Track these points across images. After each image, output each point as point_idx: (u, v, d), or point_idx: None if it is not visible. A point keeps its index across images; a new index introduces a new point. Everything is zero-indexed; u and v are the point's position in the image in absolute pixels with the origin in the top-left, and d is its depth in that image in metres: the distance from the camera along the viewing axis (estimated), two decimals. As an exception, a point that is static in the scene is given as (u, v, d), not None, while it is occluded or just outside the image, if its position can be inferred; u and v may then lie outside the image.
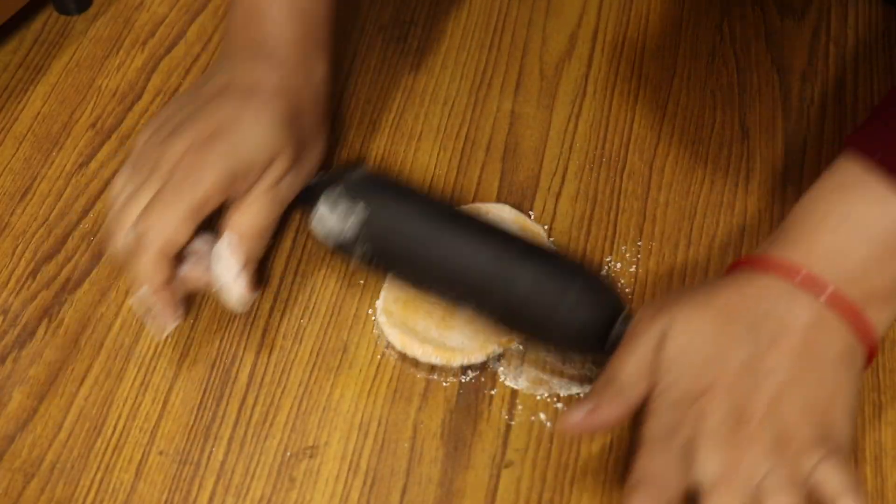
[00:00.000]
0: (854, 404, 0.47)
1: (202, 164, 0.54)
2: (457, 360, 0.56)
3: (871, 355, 0.49)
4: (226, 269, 0.55)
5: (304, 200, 0.59)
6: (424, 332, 0.56)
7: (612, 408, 0.48)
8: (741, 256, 0.51)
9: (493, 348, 0.56)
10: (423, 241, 0.55)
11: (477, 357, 0.56)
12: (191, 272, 0.55)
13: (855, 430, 0.51)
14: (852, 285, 0.48)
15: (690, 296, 0.50)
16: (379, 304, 0.58)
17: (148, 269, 0.53)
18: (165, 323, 0.55)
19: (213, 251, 0.55)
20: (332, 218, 0.55)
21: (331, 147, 0.66)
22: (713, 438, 0.45)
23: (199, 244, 0.56)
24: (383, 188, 0.57)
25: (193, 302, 0.60)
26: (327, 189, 0.56)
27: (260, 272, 0.60)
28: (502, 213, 0.62)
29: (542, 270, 0.53)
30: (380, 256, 0.56)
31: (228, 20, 0.63)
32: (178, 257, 0.55)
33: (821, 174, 0.51)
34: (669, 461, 0.46)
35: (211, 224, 0.56)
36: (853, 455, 0.46)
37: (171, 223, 0.53)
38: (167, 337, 0.58)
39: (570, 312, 0.52)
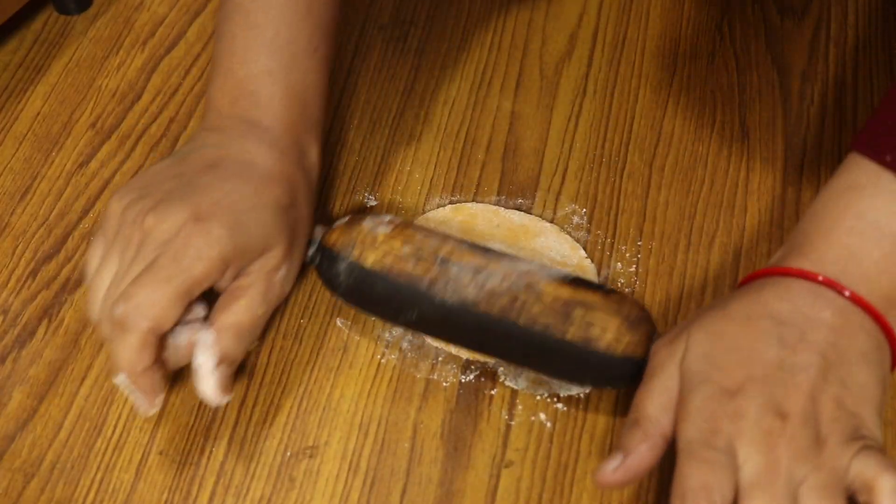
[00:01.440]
0: (884, 401, 0.46)
1: (197, 244, 0.50)
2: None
3: (895, 356, 0.48)
4: (202, 362, 0.51)
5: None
6: None
7: (643, 451, 0.46)
8: (752, 271, 0.50)
9: None
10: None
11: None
12: (180, 344, 0.51)
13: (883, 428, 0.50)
14: (869, 287, 0.47)
15: (705, 312, 0.49)
16: None
17: (130, 355, 0.49)
18: (148, 406, 0.51)
19: (198, 338, 0.51)
20: (326, 263, 0.56)
21: (328, 163, 0.66)
22: (752, 437, 0.44)
23: (196, 312, 0.52)
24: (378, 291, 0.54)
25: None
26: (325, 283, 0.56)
27: (238, 373, 0.56)
28: (548, 241, 0.62)
29: (554, 359, 0.52)
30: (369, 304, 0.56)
31: (213, 90, 0.58)
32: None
33: (827, 180, 0.50)
34: (713, 470, 0.44)
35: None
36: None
37: (157, 305, 0.49)
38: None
39: (595, 382, 0.53)
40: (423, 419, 0.55)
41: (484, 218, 0.63)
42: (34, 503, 0.53)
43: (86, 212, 0.65)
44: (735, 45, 0.72)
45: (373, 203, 0.64)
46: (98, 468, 0.54)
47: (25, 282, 0.61)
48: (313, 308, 0.59)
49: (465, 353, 0.56)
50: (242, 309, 0.52)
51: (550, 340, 0.51)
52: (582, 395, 0.55)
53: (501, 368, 0.56)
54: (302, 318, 0.59)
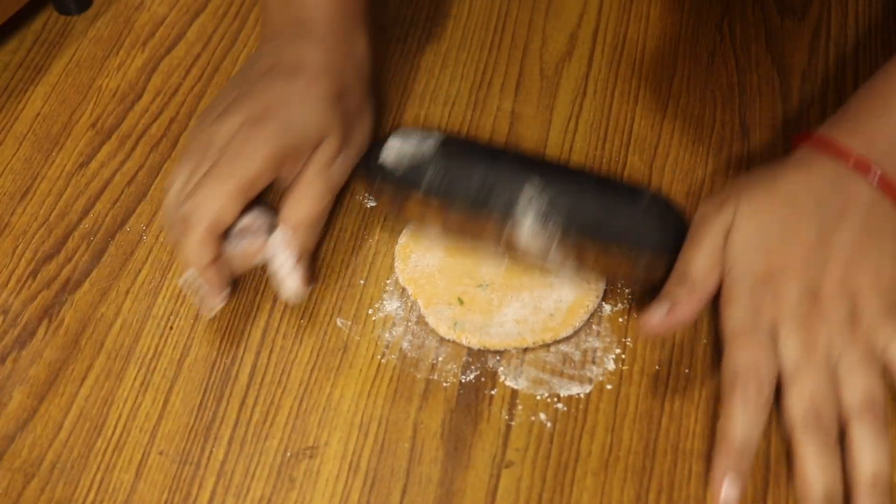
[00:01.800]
0: None
1: (252, 143, 0.54)
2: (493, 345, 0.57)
3: None
4: (282, 263, 0.55)
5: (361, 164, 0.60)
6: (472, 322, 0.57)
7: (689, 304, 0.50)
8: (804, 132, 0.55)
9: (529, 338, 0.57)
10: (495, 156, 0.56)
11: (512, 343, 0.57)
12: (244, 249, 0.55)
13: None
14: None
15: (754, 183, 0.52)
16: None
17: (194, 249, 0.53)
18: (213, 302, 0.55)
19: (269, 244, 0.55)
20: (406, 144, 0.56)
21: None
22: (791, 319, 0.48)
23: (250, 219, 0.55)
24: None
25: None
26: (394, 133, 0.57)
27: (313, 262, 0.60)
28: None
29: (617, 185, 0.56)
30: (451, 179, 0.55)
31: (264, 2, 0.63)
32: (226, 235, 0.55)
33: (885, 63, 0.54)
34: (759, 349, 0.48)
35: (261, 198, 0.56)
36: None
37: (217, 202, 0.53)
38: (170, 333, 0.59)
39: (653, 200, 0.55)
40: (423, 419, 0.55)
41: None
42: (34, 503, 0.53)
43: (86, 212, 0.65)
44: (735, 45, 0.72)
45: (373, 204, 0.64)
46: (98, 468, 0.54)
47: (25, 282, 0.62)
48: (313, 308, 0.59)
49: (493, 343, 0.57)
50: (310, 202, 0.55)
51: (607, 178, 0.57)
52: (582, 395, 0.55)
53: (501, 368, 0.56)
54: (302, 318, 0.59)
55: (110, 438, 0.55)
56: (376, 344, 0.58)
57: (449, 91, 0.70)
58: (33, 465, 0.54)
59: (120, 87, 0.72)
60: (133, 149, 0.68)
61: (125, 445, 0.55)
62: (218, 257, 0.54)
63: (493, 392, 0.56)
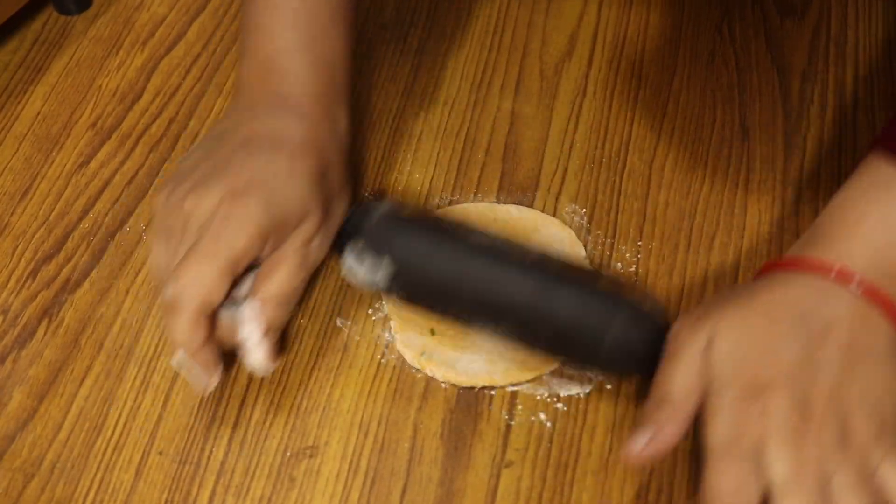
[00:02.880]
0: None
1: (236, 219, 0.51)
2: (479, 382, 0.56)
3: None
4: (248, 335, 0.52)
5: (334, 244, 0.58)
6: (440, 355, 0.56)
7: (671, 428, 0.47)
8: (773, 259, 0.51)
9: (517, 376, 0.56)
10: (457, 284, 0.53)
11: (500, 381, 0.56)
12: (229, 320, 0.53)
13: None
14: (891, 283, 0.48)
15: (728, 300, 0.50)
16: (391, 324, 0.58)
17: (185, 332, 0.50)
18: (207, 382, 0.52)
19: (238, 314, 0.53)
20: (361, 270, 0.55)
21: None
22: (780, 435, 0.45)
23: (236, 290, 0.53)
24: (407, 231, 0.55)
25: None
26: (352, 238, 0.55)
27: (284, 337, 0.58)
28: (550, 230, 0.62)
29: (585, 302, 0.52)
30: (417, 298, 0.55)
31: (242, 70, 0.60)
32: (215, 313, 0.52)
33: (849, 177, 0.51)
34: (743, 472, 0.44)
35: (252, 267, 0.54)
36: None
37: (206, 283, 0.50)
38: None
39: (616, 340, 0.51)
40: (423, 419, 0.55)
41: (478, 213, 0.63)
42: (34, 503, 0.53)
43: (86, 212, 0.65)
44: (735, 45, 0.72)
45: (373, 203, 0.64)
46: (98, 468, 0.54)
47: (25, 282, 0.62)
48: (313, 308, 0.59)
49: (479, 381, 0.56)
50: (283, 278, 0.53)
51: (580, 287, 0.52)
52: (582, 395, 0.55)
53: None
54: (302, 318, 0.59)
55: (110, 438, 0.55)
56: (376, 344, 0.58)
57: (449, 91, 0.70)
58: (33, 465, 0.54)
59: (120, 86, 0.72)
60: (133, 149, 0.68)
61: (125, 445, 0.55)
62: (209, 338, 0.51)
63: (492, 392, 0.56)
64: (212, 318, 0.51)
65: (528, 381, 0.56)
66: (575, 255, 0.60)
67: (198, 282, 0.50)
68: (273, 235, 0.53)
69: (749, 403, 0.46)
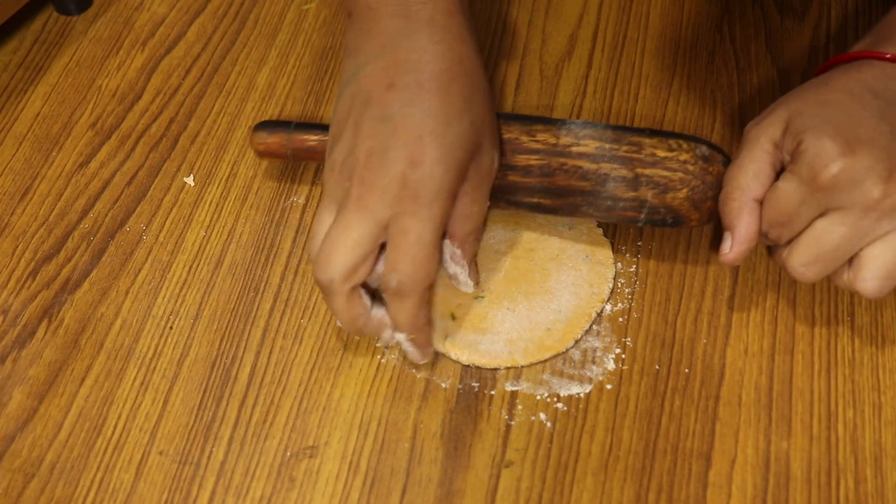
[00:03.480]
0: None
1: (426, 194, 0.50)
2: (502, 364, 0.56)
3: None
4: (457, 270, 0.55)
5: None
6: (462, 338, 0.57)
7: (746, 218, 0.51)
8: (832, 57, 0.55)
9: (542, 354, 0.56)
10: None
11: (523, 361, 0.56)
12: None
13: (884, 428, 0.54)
14: None
15: (799, 91, 0.52)
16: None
17: (412, 315, 0.52)
18: (423, 356, 0.55)
19: (444, 252, 0.54)
20: None
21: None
22: (855, 191, 0.48)
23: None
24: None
25: (195, 300, 0.60)
26: None
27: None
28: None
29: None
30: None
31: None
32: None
33: None
34: (806, 196, 0.49)
35: None
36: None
37: (425, 265, 0.50)
38: (170, 333, 0.59)
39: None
40: (423, 419, 0.55)
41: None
42: (34, 503, 0.53)
43: (86, 212, 0.65)
44: (735, 44, 0.72)
45: (373, 203, 0.64)
46: (98, 468, 0.54)
47: (25, 282, 0.62)
48: (313, 308, 0.59)
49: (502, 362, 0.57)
50: (476, 215, 0.53)
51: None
52: (582, 395, 0.55)
53: (502, 371, 0.56)
54: (302, 318, 0.59)
55: (110, 438, 0.55)
56: (376, 344, 0.58)
57: (449, 91, 0.70)
58: (33, 465, 0.54)
59: (120, 87, 0.72)
60: (133, 149, 0.68)
61: (125, 445, 0.55)
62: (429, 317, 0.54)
63: (492, 392, 0.56)
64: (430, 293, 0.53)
65: (548, 359, 0.56)
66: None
67: (423, 268, 0.50)
68: (458, 183, 0.51)
69: (833, 153, 0.48)
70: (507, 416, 0.55)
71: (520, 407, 0.55)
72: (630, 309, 0.58)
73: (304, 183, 0.65)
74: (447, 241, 0.54)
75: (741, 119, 0.68)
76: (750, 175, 0.51)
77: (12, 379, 0.57)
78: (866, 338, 0.57)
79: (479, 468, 0.53)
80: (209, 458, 0.54)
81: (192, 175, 0.66)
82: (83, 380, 0.57)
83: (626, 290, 0.59)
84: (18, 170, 0.67)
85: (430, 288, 0.52)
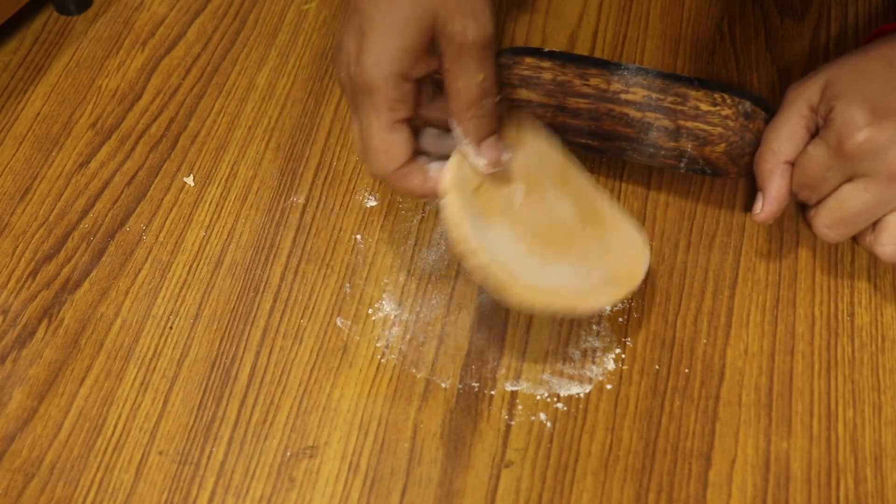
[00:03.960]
0: None
1: (364, 87, 0.50)
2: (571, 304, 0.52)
3: None
4: (468, 151, 0.52)
5: None
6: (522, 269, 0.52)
7: (778, 179, 0.53)
8: (880, 27, 0.55)
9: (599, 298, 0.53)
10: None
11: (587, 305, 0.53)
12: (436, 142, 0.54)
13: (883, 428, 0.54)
14: None
15: (840, 58, 0.53)
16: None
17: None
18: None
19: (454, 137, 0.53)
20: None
21: (328, 162, 0.65)
22: (879, 159, 0.49)
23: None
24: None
25: (195, 300, 0.60)
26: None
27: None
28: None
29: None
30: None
31: None
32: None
33: None
34: (831, 162, 0.50)
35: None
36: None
37: (385, 150, 0.50)
38: (170, 333, 0.59)
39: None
40: (423, 419, 0.55)
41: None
42: (34, 503, 0.53)
43: (86, 212, 0.65)
44: (735, 44, 0.72)
45: (373, 203, 0.64)
46: (98, 468, 0.54)
47: (25, 282, 0.62)
48: (313, 308, 0.59)
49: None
50: (463, 89, 0.51)
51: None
52: (582, 395, 0.55)
53: (502, 371, 0.56)
54: (302, 318, 0.59)
55: (110, 438, 0.55)
56: (376, 344, 0.58)
57: (449, 91, 0.70)
58: (33, 465, 0.54)
59: (120, 87, 0.72)
60: (133, 149, 0.68)
61: (125, 445, 0.55)
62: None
63: (492, 392, 0.56)
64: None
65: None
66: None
67: (382, 156, 0.50)
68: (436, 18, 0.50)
69: (862, 120, 0.49)
70: (507, 416, 0.55)
71: (520, 407, 0.55)
72: (630, 309, 0.58)
73: (304, 183, 0.65)
74: (453, 120, 0.52)
75: (741, 119, 0.68)
76: (783, 137, 0.53)
77: (12, 379, 0.57)
78: (866, 338, 0.57)
79: (479, 468, 0.53)
80: (209, 458, 0.54)
81: (191, 175, 0.66)
82: (83, 380, 0.57)
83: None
84: (18, 170, 0.67)
85: (408, 163, 0.51)
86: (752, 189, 0.64)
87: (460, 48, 0.50)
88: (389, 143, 0.51)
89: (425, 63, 0.50)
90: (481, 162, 0.52)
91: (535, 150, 0.56)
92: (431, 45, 0.50)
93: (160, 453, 0.54)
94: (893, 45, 0.52)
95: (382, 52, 0.50)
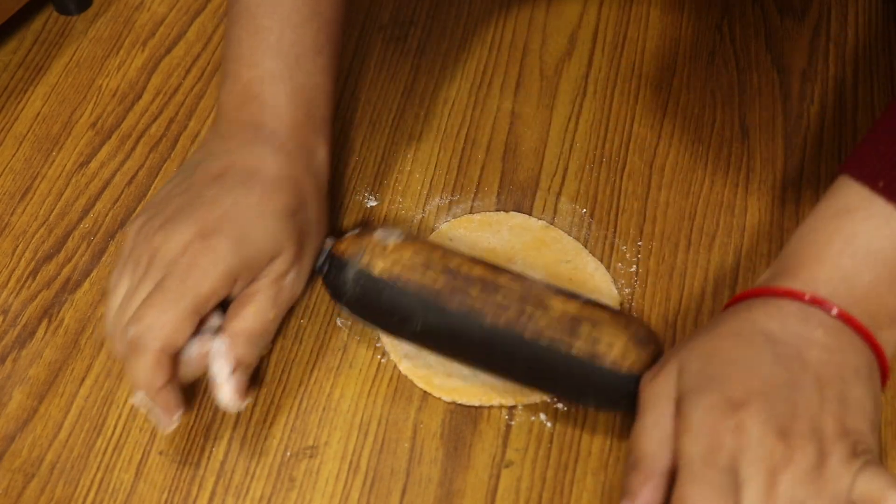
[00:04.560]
0: (878, 417, 0.46)
1: (205, 260, 0.50)
2: (493, 401, 0.55)
3: (885, 376, 0.47)
4: (218, 371, 0.51)
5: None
6: (447, 367, 0.56)
7: (650, 491, 0.45)
8: (738, 293, 0.51)
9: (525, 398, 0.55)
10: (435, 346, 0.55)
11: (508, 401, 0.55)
12: (193, 355, 0.51)
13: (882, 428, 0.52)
14: (859, 308, 0.46)
15: (690, 339, 0.49)
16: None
17: (146, 373, 0.49)
18: (168, 423, 0.51)
19: (211, 347, 0.51)
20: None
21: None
22: (754, 457, 0.43)
23: (212, 323, 0.52)
24: (378, 302, 0.54)
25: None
26: (330, 291, 0.56)
27: (255, 376, 0.56)
28: (562, 242, 0.62)
29: (559, 375, 0.51)
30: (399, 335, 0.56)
31: (222, 95, 0.58)
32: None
33: (817, 203, 0.50)
34: (716, 489, 0.42)
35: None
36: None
37: (170, 323, 0.49)
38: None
39: (597, 402, 0.52)
40: (423, 419, 0.55)
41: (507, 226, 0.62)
42: (34, 503, 0.53)
43: (86, 212, 0.65)
44: (735, 45, 0.72)
45: (373, 203, 0.64)
46: (98, 468, 0.54)
47: (25, 282, 0.62)
48: (313, 308, 0.59)
49: (463, 384, 0.56)
50: (252, 315, 0.52)
51: (556, 354, 0.51)
52: (582, 395, 0.55)
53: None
54: (302, 318, 0.59)
55: (110, 438, 0.55)
56: (376, 344, 0.58)
57: (449, 91, 0.70)
58: (33, 465, 0.54)
59: (120, 86, 0.72)
60: (133, 149, 0.68)
61: (125, 445, 0.55)
62: (171, 379, 0.50)
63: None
64: (175, 359, 0.50)
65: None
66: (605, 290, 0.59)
67: (161, 323, 0.49)
68: (243, 275, 0.52)
69: (724, 417, 0.44)
70: (507, 416, 0.55)
71: (520, 407, 0.55)
72: (630, 309, 0.58)
73: (304, 183, 0.65)
74: (221, 334, 0.51)
75: (741, 119, 0.68)
76: (655, 442, 0.46)
77: (12, 379, 0.57)
78: (866, 338, 0.57)
79: (479, 468, 0.53)
80: (209, 458, 0.54)
81: (192, 175, 0.66)
82: (83, 380, 0.57)
83: (626, 290, 0.59)
84: (18, 170, 0.67)
85: (166, 354, 0.49)
86: (752, 188, 0.64)
87: (281, 289, 0.54)
88: (175, 321, 0.50)
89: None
90: (226, 394, 0.51)
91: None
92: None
93: (160, 453, 0.54)
94: (742, 316, 0.48)
95: (225, 249, 0.51)
